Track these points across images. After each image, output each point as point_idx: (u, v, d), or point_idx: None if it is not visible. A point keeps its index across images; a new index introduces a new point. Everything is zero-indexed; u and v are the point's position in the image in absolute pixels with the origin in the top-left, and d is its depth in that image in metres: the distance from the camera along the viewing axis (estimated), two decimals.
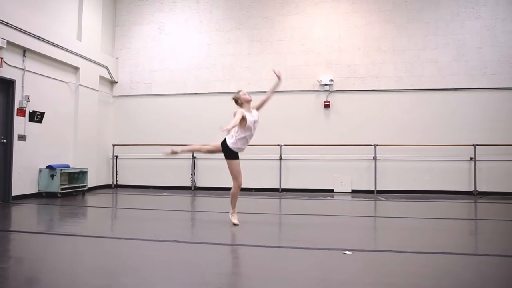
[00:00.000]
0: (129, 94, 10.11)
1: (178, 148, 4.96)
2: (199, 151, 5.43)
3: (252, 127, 4.76)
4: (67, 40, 7.97)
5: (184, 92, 9.86)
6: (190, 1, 9.92)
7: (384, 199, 8.07)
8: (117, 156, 9.90)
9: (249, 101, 4.91)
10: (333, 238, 4.22)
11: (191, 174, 9.56)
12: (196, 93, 9.78)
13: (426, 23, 8.85)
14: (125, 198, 8.25)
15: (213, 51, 9.70)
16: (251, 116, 4.79)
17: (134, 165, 9.83)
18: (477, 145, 8.51)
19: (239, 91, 4.94)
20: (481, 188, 8.52)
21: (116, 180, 9.87)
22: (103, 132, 9.60)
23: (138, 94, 10.07)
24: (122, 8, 10.20)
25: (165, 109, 9.86)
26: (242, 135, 4.78)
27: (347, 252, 3.45)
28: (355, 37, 9.05)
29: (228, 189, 9.24)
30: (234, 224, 4.81)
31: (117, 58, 10.16)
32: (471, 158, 8.59)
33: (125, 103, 10.12)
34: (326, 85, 9.03)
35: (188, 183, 9.58)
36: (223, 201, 7.63)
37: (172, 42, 9.98)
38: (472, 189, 8.58)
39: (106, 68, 9.56)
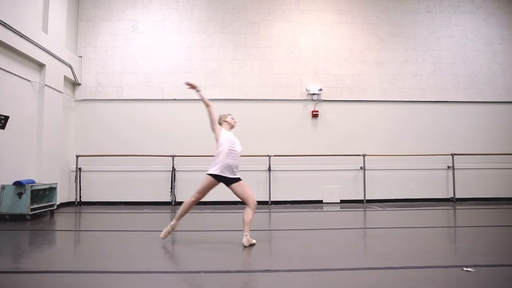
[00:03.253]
0: (95, 98, 8.67)
1: (172, 223, 4.36)
2: (190, 204, 4.54)
3: (229, 143, 4.42)
4: (32, 30, 6.51)
5: (161, 98, 8.72)
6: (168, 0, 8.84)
7: (380, 208, 7.82)
8: (80, 169, 8.33)
9: (232, 127, 4.66)
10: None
11: (171, 188, 8.38)
12: (175, 99, 8.70)
13: (407, 37, 8.95)
14: (96, 218, 6.99)
15: (195, 55, 8.73)
16: (229, 135, 4.52)
17: (102, 178, 8.38)
18: (454, 154, 8.70)
19: (227, 115, 4.68)
20: (458, 195, 8.71)
21: (80, 197, 8.28)
22: (64, 140, 8.02)
23: (107, 98, 8.67)
24: (87, 0, 8.71)
25: (139, 115, 8.62)
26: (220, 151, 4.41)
27: (469, 269, 3.01)
28: (341, 48, 8.82)
29: (214, 203, 8.40)
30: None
31: (80, 56, 8.70)
32: (448, 167, 8.76)
33: (90, 108, 8.64)
34: (314, 94, 8.63)
35: (167, 198, 8.37)
36: (208, 217, 6.95)
37: (147, 42, 8.79)
38: (451, 196, 8.73)
39: (70, 67, 8.05)
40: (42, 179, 6.68)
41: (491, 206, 7.97)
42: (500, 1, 9.29)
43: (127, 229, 5.51)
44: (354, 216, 7.26)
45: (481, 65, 9.09)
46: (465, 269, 3.06)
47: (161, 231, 4.33)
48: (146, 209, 7.79)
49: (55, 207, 6.62)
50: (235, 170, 4.38)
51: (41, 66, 6.90)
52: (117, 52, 8.85)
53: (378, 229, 5.51)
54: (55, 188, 6.56)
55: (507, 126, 9.11)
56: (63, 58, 7.69)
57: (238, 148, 4.44)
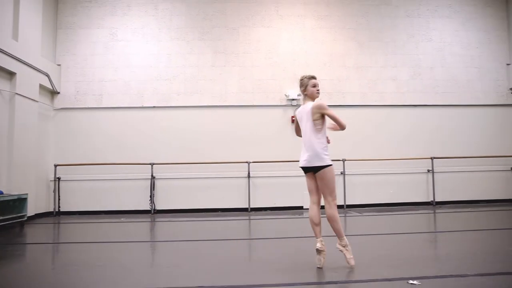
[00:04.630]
0: (75, 106, 8.42)
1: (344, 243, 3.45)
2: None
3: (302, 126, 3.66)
4: (0, 37, 6.14)
5: (141, 106, 8.48)
6: (147, 6, 8.64)
7: (358, 213, 7.62)
8: (59, 178, 8.07)
9: (315, 98, 3.69)
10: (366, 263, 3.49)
11: (150, 196, 8.12)
12: (154, 107, 8.46)
13: (386, 42, 8.77)
14: (73, 229, 6.74)
15: (174, 62, 8.52)
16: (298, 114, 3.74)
17: (81, 188, 8.12)
18: (434, 158, 8.51)
19: (312, 77, 3.68)
20: (438, 198, 8.52)
21: (59, 206, 8.02)
22: (41, 150, 7.73)
23: (86, 106, 8.43)
24: (65, 8, 8.53)
25: (119, 124, 8.39)
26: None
27: (414, 282, 2.89)
28: (321, 53, 8.63)
29: (193, 210, 8.17)
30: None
31: (59, 65, 8.44)
32: (428, 171, 8.56)
33: (70, 117, 8.39)
34: (293, 99, 8.40)
35: (147, 206, 8.11)
36: (188, 226, 6.75)
37: (126, 50, 8.57)
38: (431, 199, 8.53)
39: (47, 75, 7.82)
40: (13, 190, 6.41)
41: (468, 209, 7.78)
42: (476, 6, 9.15)
43: (98, 240, 5.24)
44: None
45: (459, 69, 8.93)
46: (410, 282, 2.92)
47: (136, 241, 4.06)
48: (123, 218, 7.53)
49: (25, 218, 6.32)
50: None
51: (11, 74, 6.65)
52: (96, 60, 8.62)
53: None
54: (25, 198, 6.29)
55: (485, 129, 8.97)
56: (38, 67, 7.44)
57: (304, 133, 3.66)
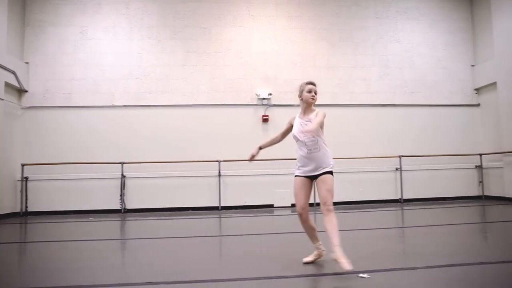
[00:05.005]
0: (43, 105, 8.29)
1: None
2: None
3: (297, 136, 3.48)
4: None
5: (111, 105, 8.40)
6: (118, 5, 8.56)
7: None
8: (27, 178, 7.93)
9: (310, 104, 3.57)
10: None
11: (120, 195, 8.05)
12: (125, 106, 8.40)
13: (356, 42, 8.89)
14: (39, 229, 6.68)
15: (145, 61, 8.46)
16: (301, 122, 3.52)
17: (50, 187, 8.00)
18: (402, 156, 8.68)
19: (309, 83, 3.58)
20: (406, 196, 8.69)
21: (26, 207, 7.88)
22: (7, 149, 7.58)
23: (55, 105, 8.32)
24: (33, 5, 8.37)
25: (89, 123, 8.30)
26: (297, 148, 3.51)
27: (363, 275, 3.01)
28: (292, 53, 8.70)
29: (164, 209, 8.14)
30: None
31: (27, 63, 8.28)
32: (397, 169, 8.72)
33: (38, 116, 8.25)
34: (264, 99, 8.44)
35: (117, 205, 8.04)
36: (158, 224, 6.76)
37: (97, 48, 8.48)
38: (399, 197, 8.69)
39: (14, 73, 7.64)
40: None
41: (434, 206, 7.97)
42: (443, 9, 9.37)
43: (62, 239, 5.21)
44: (290, 220, 7.08)
45: (426, 70, 9.13)
46: (360, 275, 3.01)
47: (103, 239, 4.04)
48: (91, 218, 7.45)
49: None
50: None
51: None
52: (66, 58, 8.51)
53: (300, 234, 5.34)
54: None
55: (451, 128, 9.19)
56: (3, 64, 7.28)
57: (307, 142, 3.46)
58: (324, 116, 3.46)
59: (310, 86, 3.54)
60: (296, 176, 3.46)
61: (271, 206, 8.53)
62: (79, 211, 8.09)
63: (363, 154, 8.73)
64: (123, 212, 8.18)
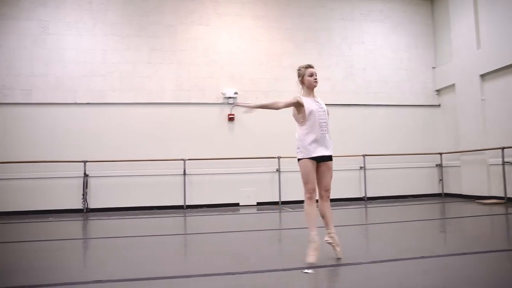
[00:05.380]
0: (1, 101, 8.04)
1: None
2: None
3: (316, 116, 3.44)
4: None
5: (74, 102, 8.26)
6: (81, 0, 8.34)
7: (291, 209, 7.78)
8: None
9: (313, 88, 3.63)
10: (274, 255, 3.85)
11: (83, 194, 7.88)
12: (88, 103, 8.26)
13: (321, 43, 9.04)
14: None
15: (109, 58, 8.34)
16: (312, 103, 3.51)
17: (7, 187, 7.93)
18: (366, 155, 8.85)
19: (308, 66, 3.61)
20: (370, 194, 8.87)
21: None
22: None
23: (13, 102, 8.09)
24: None
25: (50, 120, 8.19)
26: (305, 130, 3.46)
27: (307, 271, 3.12)
28: (258, 52, 8.78)
29: (128, 208, 8.03)
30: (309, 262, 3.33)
31: None
32: (361, 167, 8.89)
33: None
34: (230, 98, 8.45)
35: (79, 205, 7.89)
36: (121, 224, 6.77)
37: (59, 44, 8.34)
38: (363, 195, 8.86)
39: None
40: None
41: (395, 204, 8.18)
42: (406, 12, 9.66)
43: (18, 239, 5.11)
44: (255, 218, 7.21)
45: (389, 71, 9.38)
46: (305, 271, 3.12)
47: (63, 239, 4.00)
48: (51, 218, 7.27)
49: None
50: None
51: None
52: (25, 53, 8.30)
53: (264, 231, 5.51)
54: None
55: (413, 128, 9.49)
56: None
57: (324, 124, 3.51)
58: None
59: (311, 70, 3.57)
60: (305, 158, 3.43)
61: (237, 204, 8.54)
62: (38, 211, 7.95)
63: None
64: (86, 211, 8.04)
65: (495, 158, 7.93)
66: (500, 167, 7.68)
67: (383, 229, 5.37)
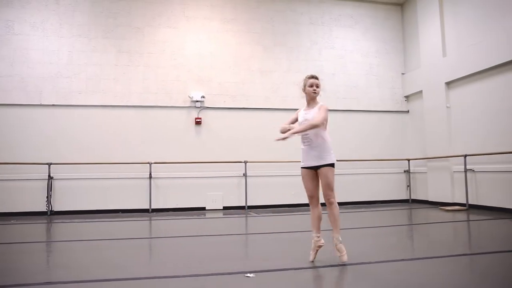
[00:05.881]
0: None
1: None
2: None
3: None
4: None
5: (39, 103, 8.25)
6: (48, 1, 8.56)
7: (256, 214, 7.87)
8: None
9: (312, 97, 3.82)
10: (224, 259, 4.03)
11: (47, 196, 7.83)
12: (53, 105, 8.30)
13: (290, 47, 9.08)
14: None
15: (76, 59, 8.35)
16: (302, 116, 3.83)
17: None
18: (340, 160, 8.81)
19: (311, 77, 3.81)
20: (340, 199, 8.80)
21: None
22: None
23: None
24: None
25: (14, 121, 8.26)
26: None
27: (249, 275, 3.28)
28: (226, 56, 8.80)
29: (94, 211, 8.00)
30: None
31: None
32: None
33: None
34: (197, 101, 8.48)
35: (43, 208, 7.84)
36: (84, 227, 6.76)
37: (24, 44, 8.38)
38: None
39: None
40: None
41: (363, 210, 8.23)
42: (376, 18, 9.74)
43: None
44: (219, 222, 7.38)
45: (359, 76, 9.44)
46: (247, 275, 3.26)
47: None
48: (13, 220, 7.23)
49: None
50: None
51: None
52: None
53: (224, 236, 5.71)
54: None
55: (382, 133, 9.62)
56: None
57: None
58: (326, 111, 3.72)
59: (312, 80, 3.77)
60: (301, 167, 3.78)
61: (203, 208, 8.55)
62: (1, 214, 7.84)
63: (294, 157, 8.84)
64: (50, 214, 8.04)
65: (458, 165, 8.02)
66: (464, 174, 7.75)
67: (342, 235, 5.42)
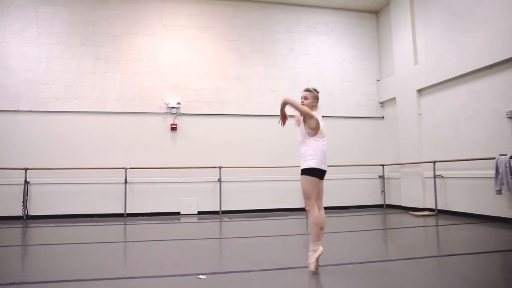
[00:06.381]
0: None
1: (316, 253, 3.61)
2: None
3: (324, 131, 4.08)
4: None
5: (17, 109, 8.45)
6: (27, 9, 8.68)
7: (228, 219, 8.03)
8: None
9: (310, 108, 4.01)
10: (184, 262, 4.26)
11: (23, 201, 7.97)
12: (31, 111, 8.38)
13: (267, 55, 9.25)
14: None
15: (54, 66, 8.56)
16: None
17: None
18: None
19: (305, 89, 4.07)
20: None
21: None
22: None
23: None
24: None
25: None
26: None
27: (201, 276, 3.48)
28: (202, 63, 8.99)
29: (70, 216, 8.14)
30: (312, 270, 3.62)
31: None
32: None
33: None
34: (173, 108, 8.61)
35: (19, 212, 7.99)
36: (60, 231, 6.92)
37: (4, 51, 8.61)
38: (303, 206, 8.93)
39: None
40: None
41: (338, 215, 8.25)
42: (351, 25, 9.93)
43: None
44: (192, 227, 7.60)
45: (334, 83, 9.60)
46: (199, 276, 3.49)
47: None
48: None
49: None
50: None
51: None
52: None
53: (195, 240, 5.96)
54: None
55: (358, 139, 9.77)
56: None
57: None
58: (308, 115, 3.84)
59: (302, 93, 4.07)
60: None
61: (178, 213, 8.67)
62: None
63: (269, 163, 9.04)
64: (25, 218, 8.17)
65: (429, 171, 8.14)
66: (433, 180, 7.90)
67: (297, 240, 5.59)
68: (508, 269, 3.81)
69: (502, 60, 6.58)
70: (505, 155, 6.27)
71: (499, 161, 6.28)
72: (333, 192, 9.45)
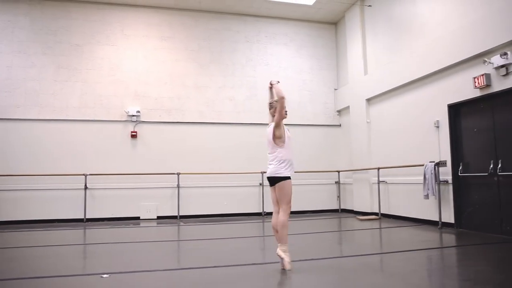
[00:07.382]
0: None
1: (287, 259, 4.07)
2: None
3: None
4: None
5: None
6: None
7: (183, 223, 8.49)
8: None
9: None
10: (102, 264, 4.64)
11: None
12: None
13: (226, 64, 9.66)
14: None
15: (14, 75, 8.89)
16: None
17: None
18: (264, 172, 9.38)
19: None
20: (269, 209, 9.38)
21: None
22: None
23: None
24: None
25: None
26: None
27: (103, 275, 3.86)
28: (162, 72, 9.37)
29: (29, 221, 8.41)
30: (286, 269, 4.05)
31: None
32: (260, 184, 9.41)
33: None
34: (133, 115, 8.98)
35: None
36: (17, 236, 7.13)
37: None
38: (261, 210, 9.39)
39: None
40: None
41: (295, 219, 8.66)
42: (310, 36, 10.45)
43: None
44: (144, 231, 7.83)
45: (292, 92, 10.06)
46: (102, 276, 3.93)
47: None
48: None
49: None
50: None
51: None
52: None
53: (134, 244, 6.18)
54: None
55: (316, 146, 10.25)
56: None
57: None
58: (277, 123, 4.45)
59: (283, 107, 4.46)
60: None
61: (138, 218, 9.02)
62: None
63: (228, 169, 9.47)
64: None
65: (375, 177, 8.64)
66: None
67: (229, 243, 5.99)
68: (429, 263, 4.51)
69: (428, 74, 7.19)
70: (433, 162, 6.83)
71: (426, 168, 6.85)
72: (293, 197, 9.89)
